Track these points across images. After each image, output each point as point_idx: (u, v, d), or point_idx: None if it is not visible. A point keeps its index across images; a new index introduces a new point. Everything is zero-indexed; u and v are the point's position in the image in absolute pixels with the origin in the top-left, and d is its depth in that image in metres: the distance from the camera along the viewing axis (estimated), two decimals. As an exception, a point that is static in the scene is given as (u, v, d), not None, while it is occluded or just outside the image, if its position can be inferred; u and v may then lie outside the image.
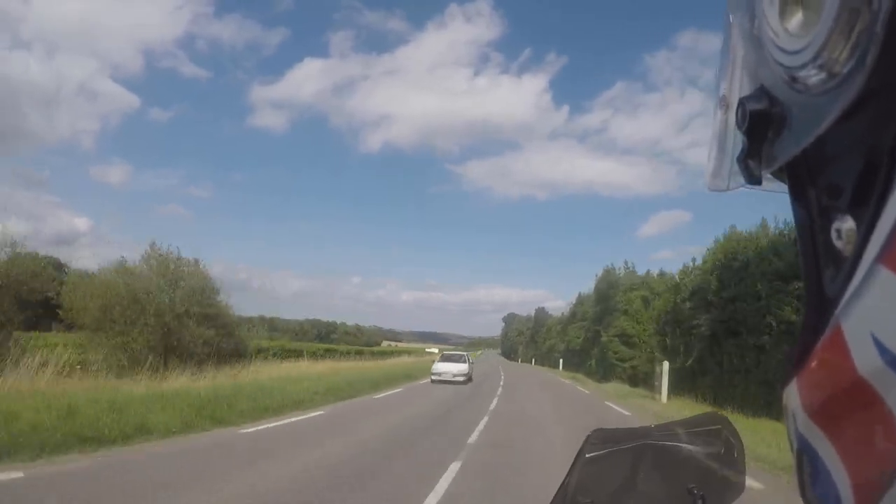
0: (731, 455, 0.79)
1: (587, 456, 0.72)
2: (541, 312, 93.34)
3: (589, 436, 0.73)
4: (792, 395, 0.32)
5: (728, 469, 0.79)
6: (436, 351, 52.03)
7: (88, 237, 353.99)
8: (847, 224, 0.28)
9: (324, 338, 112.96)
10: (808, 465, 0.31)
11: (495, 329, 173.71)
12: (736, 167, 0.35)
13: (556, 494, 0.73)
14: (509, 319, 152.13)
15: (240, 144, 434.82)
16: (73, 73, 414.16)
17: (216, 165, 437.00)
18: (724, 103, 0.38)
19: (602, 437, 0.74)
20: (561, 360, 48.38)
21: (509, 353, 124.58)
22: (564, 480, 0.72)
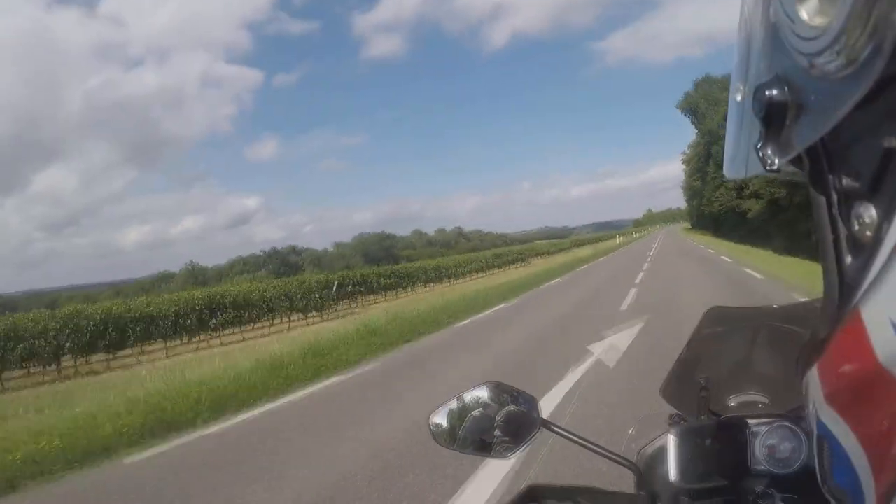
0: None
1: (704, 332, 0.73)
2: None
3: (706, 313, 0.73)
4: (812, 383, 0.32)
5: None
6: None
7: (262, 213, 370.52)
8: (866, 211, 0.28)
9: (374, 259, 75.72)
10: (828, 453, 0.31)
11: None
12: (753, 154, 0.34)
13: (672, 368, 0.75)
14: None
15: (370, 81, 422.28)
16: (189, 69, 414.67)
17: (357, 111, 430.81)
18: (740, 90, 0.37)
19: (718, 315, 0.75)
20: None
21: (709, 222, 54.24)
22: (680, 355, 0.74)
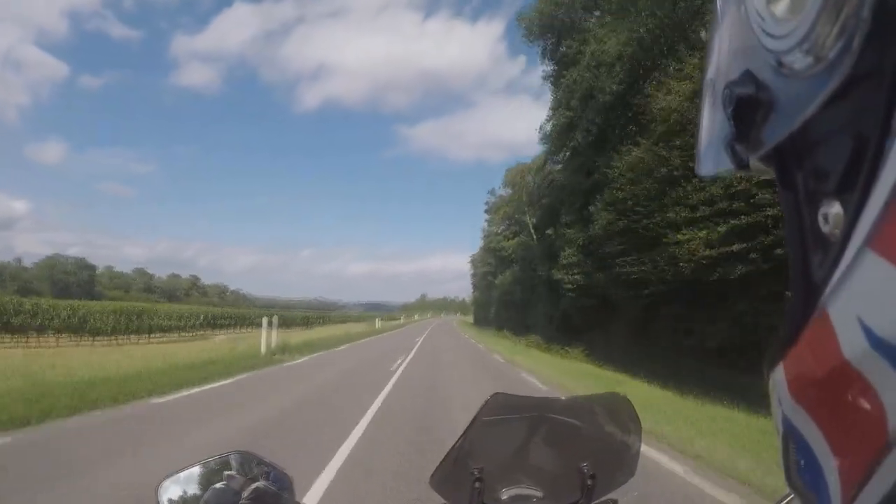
0: (627, 438, 0.79)
1: (483, 419, 0.71)
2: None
3: (488, 400, 0.71)
4: (778, 380, 0.32)
5: (622, 451, 0.79)
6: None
7: (29, 221, 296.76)
8: (834, 209, 0.28)
9: (65, 291, 69.69)
10: (793, 450, 0.31)
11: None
12: (723, 152, 0.34)
13: (447, 454, 0.72)
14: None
15: (177, 112, 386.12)
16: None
17: (156, 136, 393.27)
18: (711, 88, 0.37)
19: (501, 403, 0.72)
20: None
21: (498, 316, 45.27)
22: (456, 443, 0.72)
